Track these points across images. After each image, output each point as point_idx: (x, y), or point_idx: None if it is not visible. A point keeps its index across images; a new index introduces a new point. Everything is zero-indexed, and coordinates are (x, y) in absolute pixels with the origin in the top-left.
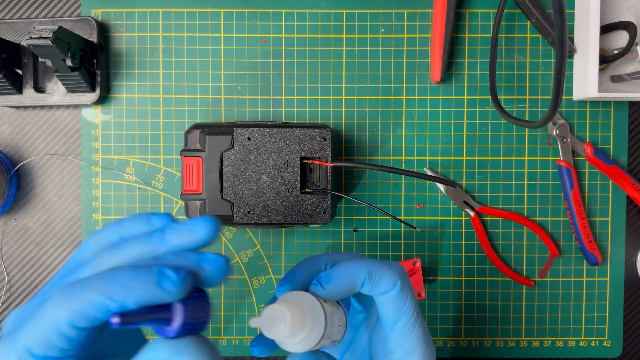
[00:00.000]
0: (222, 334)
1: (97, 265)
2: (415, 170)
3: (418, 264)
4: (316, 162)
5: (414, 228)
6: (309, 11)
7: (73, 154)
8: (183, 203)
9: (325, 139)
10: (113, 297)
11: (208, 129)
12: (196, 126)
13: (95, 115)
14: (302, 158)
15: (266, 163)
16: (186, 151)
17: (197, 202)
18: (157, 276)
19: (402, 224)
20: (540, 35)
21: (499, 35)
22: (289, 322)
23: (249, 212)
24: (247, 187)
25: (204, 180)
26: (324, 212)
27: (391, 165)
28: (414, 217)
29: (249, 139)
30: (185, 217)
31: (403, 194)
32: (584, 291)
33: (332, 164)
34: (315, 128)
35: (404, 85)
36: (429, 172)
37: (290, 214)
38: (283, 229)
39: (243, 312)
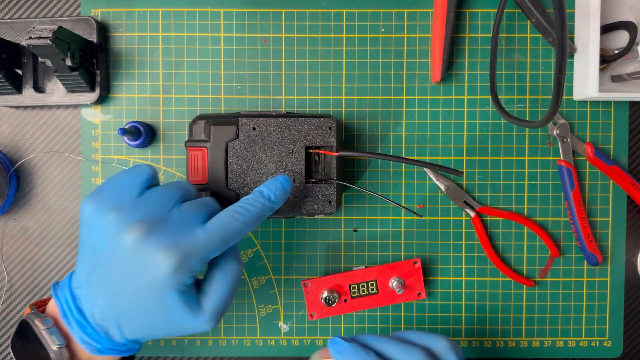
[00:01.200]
0: (222, 334)
1: None
2: (417, 157)
3: (418, 264)
4: (321, 151)
5: (420, 216)
6: (309, 11)
7: (73, 153)
8: None
9: (330, 129)
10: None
11: (213, 120)
12: (201, 117)
13: (95, 115)
14: (307, 148)
15: (271, 153)
16: (191, 142)
17: (202, 192)
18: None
19: (404, 216)
20: (540, 35)
21: (499, 35)
22: None
23: None
24: (252, 177)
25: (209, 170)
26: (330, 202)
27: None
28: (414, 218)
29: (253, 128)
30: None
31: (403, 194)
32: (585, 291)
33: (337, 154)
34: (320, 117)
35: (404, 85)
36: (429, 173)
37: (295, 204)
38: (293, 218)
39: (243, 313)
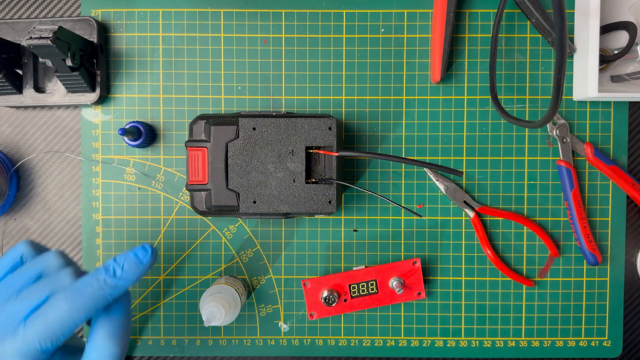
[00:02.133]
0: (222, 334)
1: None
2: (417, 157)
3: (418, 264)
4: (321, 151)
5: (420, 216)
6: (309, 11)
7: (73, 154)
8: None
9: (330, 129)
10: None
11: (213, 120)
12: (201, 117)
13: (95, 115)
14: (307, 148)
15: (271, 153)
16: (191, 142)
17: (202, 192)
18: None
19: (404, 216)
20: (540, 35)
21: (499, 35)
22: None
23: (254, 202)
24: (252, 177)
25: (209, 170)
26: (330, 202)
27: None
28: (414, 218)
29: (254, 129)
30: (189, 207)
31: (403, 194)
32: (584, 291)
33: (337, 153)
34: (320, 117)
35: (404, 85)
36: (429, 173)
37: (295, 204)
38: (293, 218)
39: (243, 313)
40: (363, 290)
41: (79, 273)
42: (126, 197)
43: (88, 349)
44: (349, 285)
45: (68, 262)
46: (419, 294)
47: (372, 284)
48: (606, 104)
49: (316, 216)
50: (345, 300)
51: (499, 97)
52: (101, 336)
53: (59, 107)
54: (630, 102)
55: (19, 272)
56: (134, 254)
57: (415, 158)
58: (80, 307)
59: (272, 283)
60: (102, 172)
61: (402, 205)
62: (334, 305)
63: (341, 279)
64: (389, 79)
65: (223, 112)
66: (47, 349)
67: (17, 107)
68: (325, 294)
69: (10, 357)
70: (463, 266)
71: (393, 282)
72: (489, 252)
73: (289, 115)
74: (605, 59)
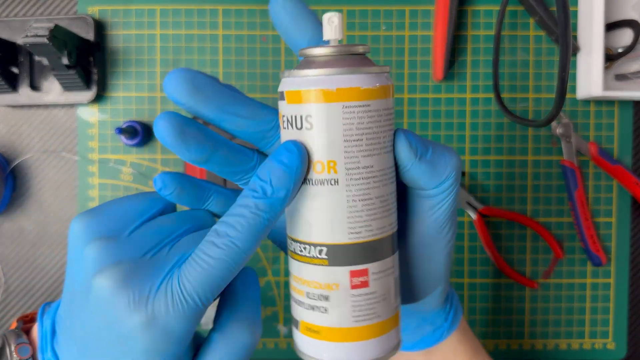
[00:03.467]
0: None
1: None
2: None
3: None
4: None
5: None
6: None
7: (69, 153)
8: None
9: None
10: None
11: None
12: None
13: (91, 114)
14: None
15: None
16: None
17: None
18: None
19: None
20: (543, 33)
21: (502, 33)
22: None
23: None
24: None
25: (207, 170)
26: None
27: None
28: None
29: None
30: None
31: None
32: (588, 292)
33: None
34: None
35: (406, 83)
36: None
37: None
38: None
39: None
40: None
41: None
42: None
43: (214, 337)
44: None
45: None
46: None
47: None
48: (610, 103)
49: None
50: None
51: (501, 95)
52: (231, 320)
53: (55, 105)
54: (634, 101)
55: (167, 219)
56: (277, 162)
57: None
58: (238, 245)
59: (271, 285)
60: (98, 172)
61: None
62: None
63: None
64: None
65: None
66: (205, 305)
67: (13, 107)
68: None
69: (164, 314)
70: (465, 267)
71: None
72: (492, 253)
73: None
74: (609, 58)
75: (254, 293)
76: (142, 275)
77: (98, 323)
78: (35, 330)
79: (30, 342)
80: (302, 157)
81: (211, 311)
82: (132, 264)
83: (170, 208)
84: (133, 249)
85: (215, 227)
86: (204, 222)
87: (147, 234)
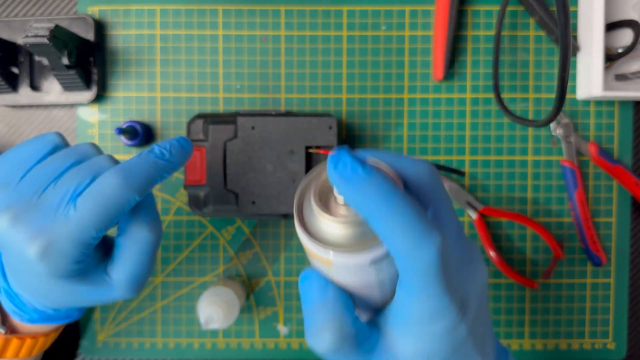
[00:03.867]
0: (221, 337)
1: None
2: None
3: None
4: (321, 151)
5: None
6: (308, 8)
7: None
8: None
9: (330, 128)
10: None
11: (211, 119)
12: (199, 116)
13: (91, 114)
14: (307, 147)
15: (270, 153)
16: None
17: (200, 193)
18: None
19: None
20: (543, 33)
21: (502, 33)
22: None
23: (253, 202)
24: (251, 177)
25: (207, 170)
26: None
27: None
28: None
29: (252, 128)
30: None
31: None
32: (588, 293)
33: None
34: (320, 116)
35: (406, 83)
36: None
37: None
38: (293, 219)
39: (241, 315)
40: None
41: (118, 162)
42: None
43: (119, 241)
44: None
45: (101, 153)
46: None
47: None
48: (610, 103)
49: None
50: None
51: (502, 95)
52: (130, 224)
53: (55, 106)
54: (634, 102)
55: (53, 159)
56: (176, 141)
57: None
58: (133, 184)
59: (271, 285)
60: None
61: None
62: None
63: None
64: (390, 77)
65: (221, 111)
66: (100, 234)
67: (13, 107)
68: None
69: (63, 244)
70: None
71: None
72: (492, 253)
73: (288, 114)
74: (609, 58)
75: (148, 199)
76: (30, 214)
77: (13, 258)
78: None
79: None
80: (191, 149)
81: (211, 311)
82: (22, 206)
83: (60, 147)
84: (22, 192)
85: (112, 168)
86: (85, 154)
87: (35, 176)
